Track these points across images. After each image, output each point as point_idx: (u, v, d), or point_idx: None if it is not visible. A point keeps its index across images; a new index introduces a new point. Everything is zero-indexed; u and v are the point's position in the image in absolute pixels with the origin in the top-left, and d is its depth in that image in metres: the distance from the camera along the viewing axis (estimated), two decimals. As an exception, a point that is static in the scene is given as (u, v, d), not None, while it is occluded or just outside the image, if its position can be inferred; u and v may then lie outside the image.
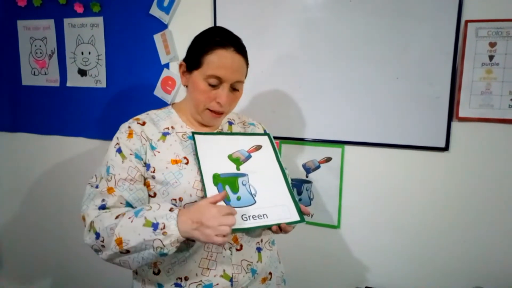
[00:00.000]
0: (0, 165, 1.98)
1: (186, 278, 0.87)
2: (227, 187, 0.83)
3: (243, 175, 0.87)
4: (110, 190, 0.84)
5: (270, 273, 1.00)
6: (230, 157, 0.89)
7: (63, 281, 1.97)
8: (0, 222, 2.03)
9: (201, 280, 0.87)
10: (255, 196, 0.84)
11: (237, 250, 0.91)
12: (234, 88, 0.90)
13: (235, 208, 0.79)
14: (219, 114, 0.91)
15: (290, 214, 0.85)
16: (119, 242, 0.76)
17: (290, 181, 0.93)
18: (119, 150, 0.87)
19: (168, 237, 0.74)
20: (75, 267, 1.90)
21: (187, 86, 0.94)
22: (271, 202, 0.85)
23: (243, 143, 0.93)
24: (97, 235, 0.80)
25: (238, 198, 0.82)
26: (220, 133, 0.97)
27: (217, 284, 0.88)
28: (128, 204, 0.85)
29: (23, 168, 1.94)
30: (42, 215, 1.94)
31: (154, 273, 0.89)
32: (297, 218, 0.85)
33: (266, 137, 0.99)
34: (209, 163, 0.85)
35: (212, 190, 0.82)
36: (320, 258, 1.46)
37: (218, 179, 0.83)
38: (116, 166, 0.86)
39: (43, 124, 1.84)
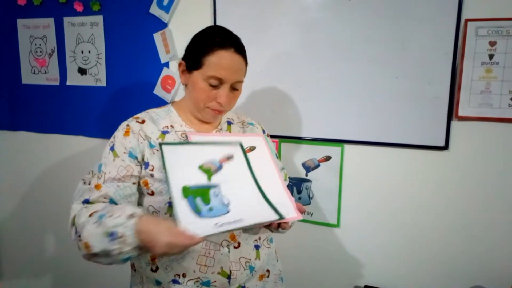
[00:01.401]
0: (0, 164, 1.98)
1: (184, 275, 0.88)
2: (198, 199, 0.78)
3: (214, 186, 0.82)
4: (97, 186, 0.85)
5: (268, 271, 1.01)
6: (201, 167, 0.85)
7: (63, 280, 1.98)
8: (0, 220, 2.03)
9: (198, 277, 0.88)
10: (229, 205, 0.80)
11: (235, 247, 0.91)
12: (234, 88, 0.91)
13: (208, 219, 0.75)
14: (219, 112, 0.92)
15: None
16: (86, 245, 0.76)
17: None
18: (112, 148, 0.88)
19: (127, 245, 0.73)
20: (75, 265, 1.90)
21: (186, 85, 0.94)
22: (246, 209, 0.80)
23: (214, 152, 0.89)
24: (76, 230, 0.80)
25: (210, 209, 0.78)
26: (190, 142, 0.92)
27: (215, 281, 0.88)
28: (112, 201, 0.85)
29: (23, 167, 1.94)
30: (42, 214, 1.94)
31: (152, 270, 0.90)
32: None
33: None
34: (178, 174, 0.80)
35: (181, 204, 0.76)
36: (320, 257, 1.46)
37: (188, 192, 0.78)
38: (108, 164, 0.86)
39: (43, 123, 1.84)
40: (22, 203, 1.99)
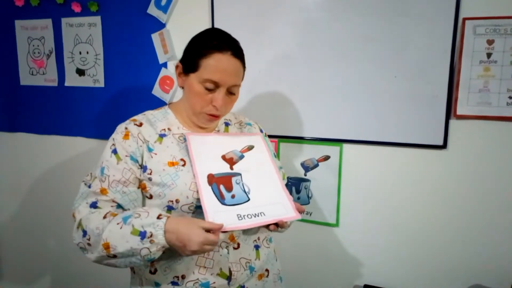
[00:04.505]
0: (-1, 165, 1.98)
1: (183, 277, 0.88)
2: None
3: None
4: (103, 191, 0.84)
5: (267, 270, 1.01)
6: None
7: (63, 281, 1.98)
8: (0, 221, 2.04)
9: (197, 279, 0.88)
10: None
11: (234, 248, 0.91)
12: (230, 92, 0.90)
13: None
14: (215, 117, 0.91)
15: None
16: (107, 246, 0.77)
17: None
18: (114, 151, 0.87)
19: (155, 244, 0.75)
20: (74, 266, 1.90)
21: (183, 87, 0.93)
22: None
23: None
24: (84, 233, 0.80)
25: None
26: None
27: (214, 282, 0.88)
28: (119, 207, 0.85)
29: (22, 168, 1.94)
30: (41, 214, 1.94)
31: (150, 272, 0.89)
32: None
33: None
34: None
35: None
36: (319, 256, 1.46)
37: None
38: (110, 167, 0.86)
39: (42, 124, 1.84)
40: (22, 204, 1.99)
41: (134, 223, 0.76)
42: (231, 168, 0.89)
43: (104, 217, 0.80)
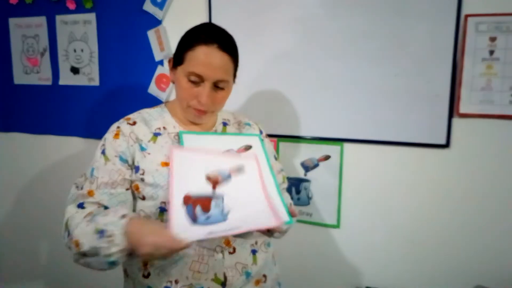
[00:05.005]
0: (-8, 166, 1.96)
1: (176, 281, 0.85)
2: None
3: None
4: (90, 192, 0.83)
5: (265, 276, 0.98)
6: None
7: (59, 281, 1.96)
8: (-7, 223, 2.02)
9: (191, 284, 0.85)
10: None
11: (230, 253, 0.89)
12: (218, 87, 0.85)
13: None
14: (202, 112, 0.87)
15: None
16: (76, 244, 0.75)
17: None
18: (103, 152, 0.86)
19: (115, 245, 0.71)
20: (70, 266, 1.87)
21: (174, 82, 0.91)
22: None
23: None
24: (68, 233, 0.80)
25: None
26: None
27: (208, 287, 0.86)
28: (106, 208, 0.83)
29: (16, 168, 1.93)
30: (36, 214, 1.92)
31: (144, 276, 0.87)
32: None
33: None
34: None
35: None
36: (320, 258, 1.44)
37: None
38: (100, 168, 0.84)
39: (36, 124, 1.82)
40: (16, 204, 1.97)
41: (99, 220, 0.74)
42: (214, 188, 0.79)
43: (85, 216, 0.78)
